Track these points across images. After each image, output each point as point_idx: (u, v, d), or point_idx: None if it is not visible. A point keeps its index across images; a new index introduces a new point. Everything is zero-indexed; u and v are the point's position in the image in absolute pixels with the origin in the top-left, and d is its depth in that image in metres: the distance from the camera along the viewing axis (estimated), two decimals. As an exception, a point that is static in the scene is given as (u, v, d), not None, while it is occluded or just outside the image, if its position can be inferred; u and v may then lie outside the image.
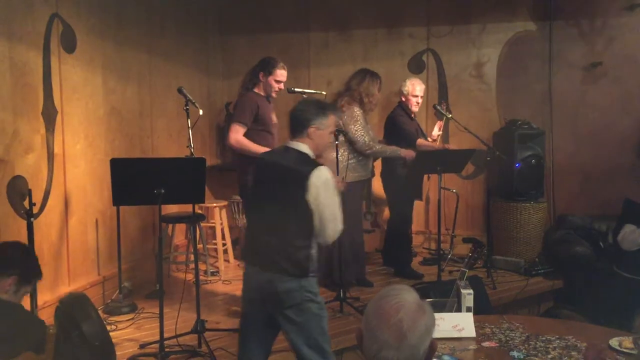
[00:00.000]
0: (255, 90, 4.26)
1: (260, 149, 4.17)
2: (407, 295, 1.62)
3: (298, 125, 2.87)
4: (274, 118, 4.33)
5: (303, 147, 2.85)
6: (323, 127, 2.87)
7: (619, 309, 3.80)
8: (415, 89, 5.19)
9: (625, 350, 2.79)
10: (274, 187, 2.83)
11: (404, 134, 5.10)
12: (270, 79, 4.22)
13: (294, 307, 2.78)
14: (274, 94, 4.31)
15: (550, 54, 5.97)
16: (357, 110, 4.79)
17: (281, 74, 4.25)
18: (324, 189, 2.72)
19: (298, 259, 2.77)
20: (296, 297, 2.77)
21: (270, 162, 2.96)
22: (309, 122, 2.84)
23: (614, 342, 2.87)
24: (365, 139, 4.71)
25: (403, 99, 5.26)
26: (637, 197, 5.34)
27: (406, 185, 5.11)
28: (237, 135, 4.11)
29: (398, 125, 5.16)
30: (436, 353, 2.65)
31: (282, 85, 4.29)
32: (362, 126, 4.75)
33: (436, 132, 5.53)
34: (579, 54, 5.94)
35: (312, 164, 2.80)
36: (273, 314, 2.84)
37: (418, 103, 5.23)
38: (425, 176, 5.59)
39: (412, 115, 5.26)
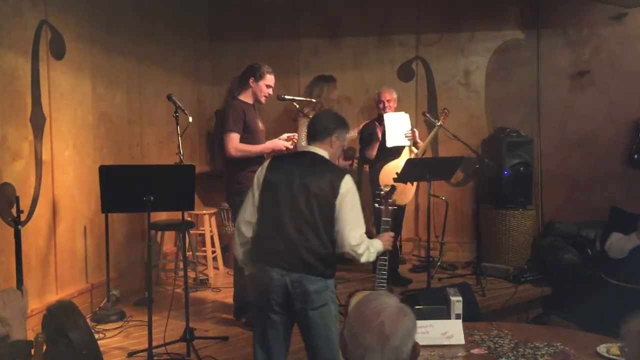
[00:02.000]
0: (241, 97, 4.26)
1: (260, 148, 4.17)
2: (387, 299, 1.64)
3: (322, 130, 2.98)
4: (261, 125, 4.33)
5: (324, 152, 2.96)
6: (341, 138, 3.00)
7: (607, 315, 3.82)
8: (381, 93, 5.33)
9: (612, 357, 2.81)
10: (303, 189, 2.83)
11: (361, 145, 5.42)
12: (262, 84, 4.23)
13: (321, 309, 2.82)
14: (263, 99, 4.31)
15: (538, 62, 6.02)
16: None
17: (271, 78, 4.27)
18: (352, 195, 2.82)
19: (329, 259, 2.84)
20: (324, 298, 2.82)
21: (294, 163, 2.97)
22: (333, 130, 2.97)
23: (601, 348, 2.89)
24: None
25: (378, 111, 5.41)
26: (623, 204, 5.40)
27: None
28: (234, 143, 4.10)
29: (360, 137, 5.46)
30: (425, 360, 2.67)
31: (271, 90, 4.30)
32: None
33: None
34: (566, 63, 6.00)
35: (339, 169, 2.94)
36: (297, 313, 2.84)
37: (385, 108, 5.30)
38: (415, 183, 5.57)
39: None
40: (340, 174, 2.86)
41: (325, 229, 2.81)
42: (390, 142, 5.17)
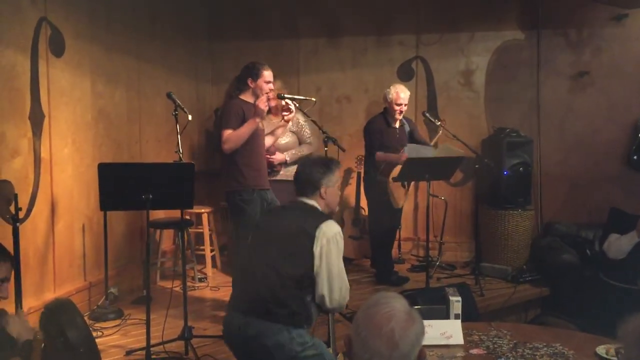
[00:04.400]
0: (241, 97, 4.24)
1: (251, 125, 4.04)
2: (397, 304, 1.62)
3: (308, 186, 2.83)
4: (261, 124, 4.31)
5: (313, 202, 2.82)
6: (332, 184, 2.84)
7: (606, 316, 3.81)
8: (399, 96, 5.10)
9: (611, 357, 2.80)
10: (277, 235, 2.74)
11: (369, 143, 5.17)
12: (260, 82, 4.20)
13: None
14: (266, 97, 4.28)
15: (538, 62, 6.02)
16: None
17: (269, 74, 4.22)
18: (333, 242, 2.65)
19: (293, 306, 2.64)
20: (291, 351, 2.61)
21: (277, 211, 2.96)
22: (319, 183, 2.80)
23: (600, 349, 2.89)
24: None
25: (386, 106, 5.23)
26: (623, 205, 5.40)
27: (382, 192, 5.12)
28: (224, 139, 4.06)
29: (367, 133, 5.22)
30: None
31: (272, 86, 4.26)
32: None
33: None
34: (566, 63, 5.99)
35: (322, 215, 2.77)
36: None
37: (401, 112, 5.15)
38: (408, 189, 5.53)
39: (395, 124, 5.21)
40: (322, 218, 2.71)
41: (296, 274, 2.64)
42: None
